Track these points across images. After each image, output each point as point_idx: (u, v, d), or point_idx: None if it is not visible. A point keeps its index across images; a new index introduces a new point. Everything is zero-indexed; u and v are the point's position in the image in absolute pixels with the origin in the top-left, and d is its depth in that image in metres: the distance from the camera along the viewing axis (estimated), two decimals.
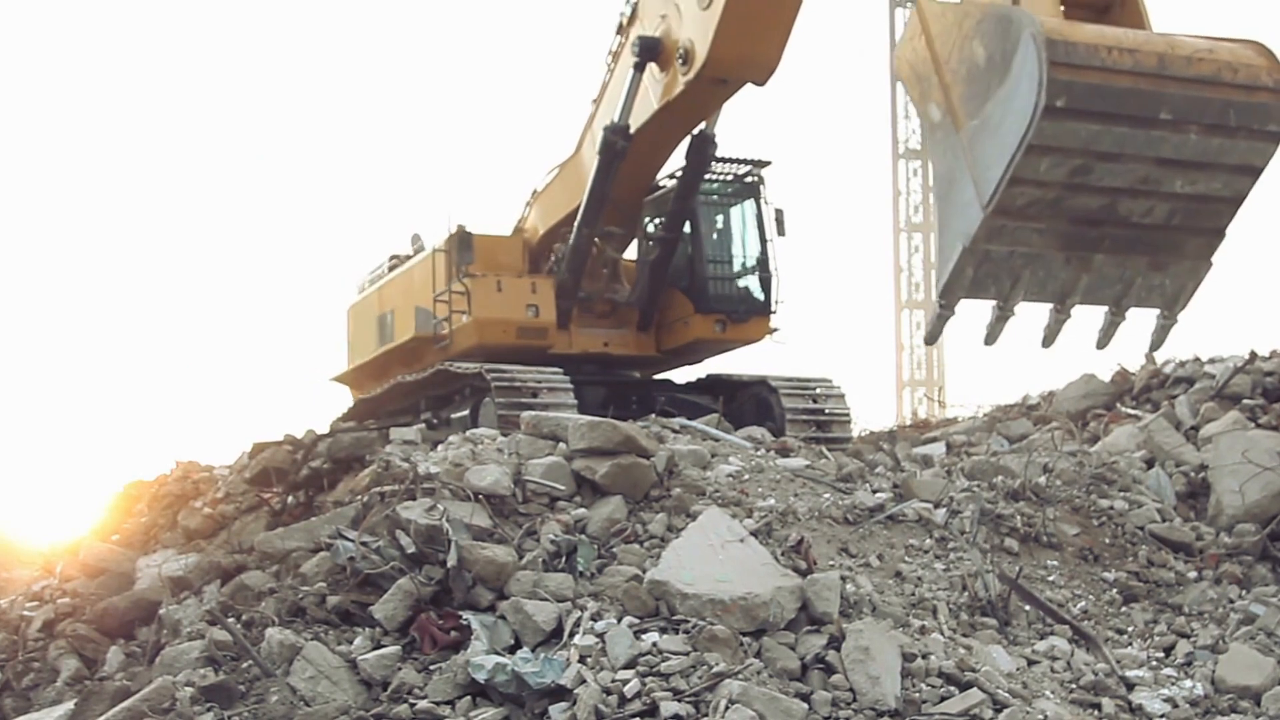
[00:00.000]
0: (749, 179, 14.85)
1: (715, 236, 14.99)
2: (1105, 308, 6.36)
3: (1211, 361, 12.28)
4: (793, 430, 13.03)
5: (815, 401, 13.73)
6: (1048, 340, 6.32)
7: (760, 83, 11.88)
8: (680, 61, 11.86)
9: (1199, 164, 5.58)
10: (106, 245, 59.59)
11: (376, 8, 61.73)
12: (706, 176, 14.06)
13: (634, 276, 14.63)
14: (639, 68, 12.48)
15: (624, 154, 12.86)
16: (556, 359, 13.63)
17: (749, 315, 14.51)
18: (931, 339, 6.97)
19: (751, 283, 14.86)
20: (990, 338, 6.24)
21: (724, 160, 14.33)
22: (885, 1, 36.98)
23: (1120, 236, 5.85)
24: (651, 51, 12.28)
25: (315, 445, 10.25)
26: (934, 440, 13.04)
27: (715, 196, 15.00)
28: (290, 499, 9.66)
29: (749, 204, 14.93)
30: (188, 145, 62.74)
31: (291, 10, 65.88)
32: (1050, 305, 6.20)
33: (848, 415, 13.98)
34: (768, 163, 14.82)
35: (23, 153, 57.20)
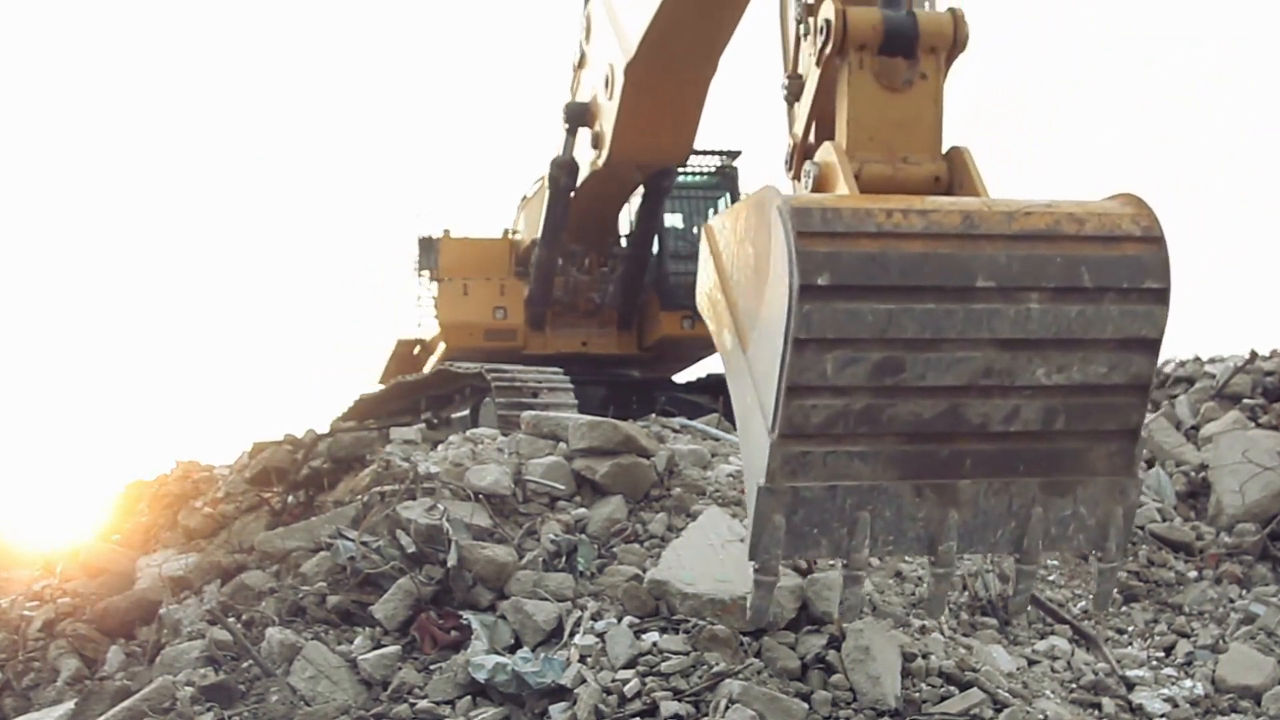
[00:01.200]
0: (726, 171, 14.78)
1: (681, 232, 14.95)
2: (1010, 558, 4.74)
3: (1212, 361, 12.28)
4: None
5: None
6: (934, 610, 4.75)
7: (677, 165, 11.79)
8: (592, 145, 11.71)
9: (1060, 342, 4.17)
10: (106, 245, 59.61)
11: (388, 6, 61.72)
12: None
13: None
14: (570, 133, 12.30)
15: (570, 189, 12.72)
16: (530, 359, 13.64)
17: None
18: (757, 620, 5.18)
19: None
20: (847, 610, 4.56)
21: (694, 153, 14.28)
22: None
23: (987, 454, 4.33)
24: (579, 119, 12.04)
25: (315, 445, 10.23)
26: None
27: (685, 191, 14.94)
28: (290, 499, 9.65)
29: (723, 197, 14.86)
30: (188, 145, 62.78)
31: (298, 9, 65.89)
32: (926, 559, 4.59)
33: None
34: (738, 153, 14.78)
35: (23, 152, 57.22)
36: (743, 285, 4.48)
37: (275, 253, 63.42)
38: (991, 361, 4.16)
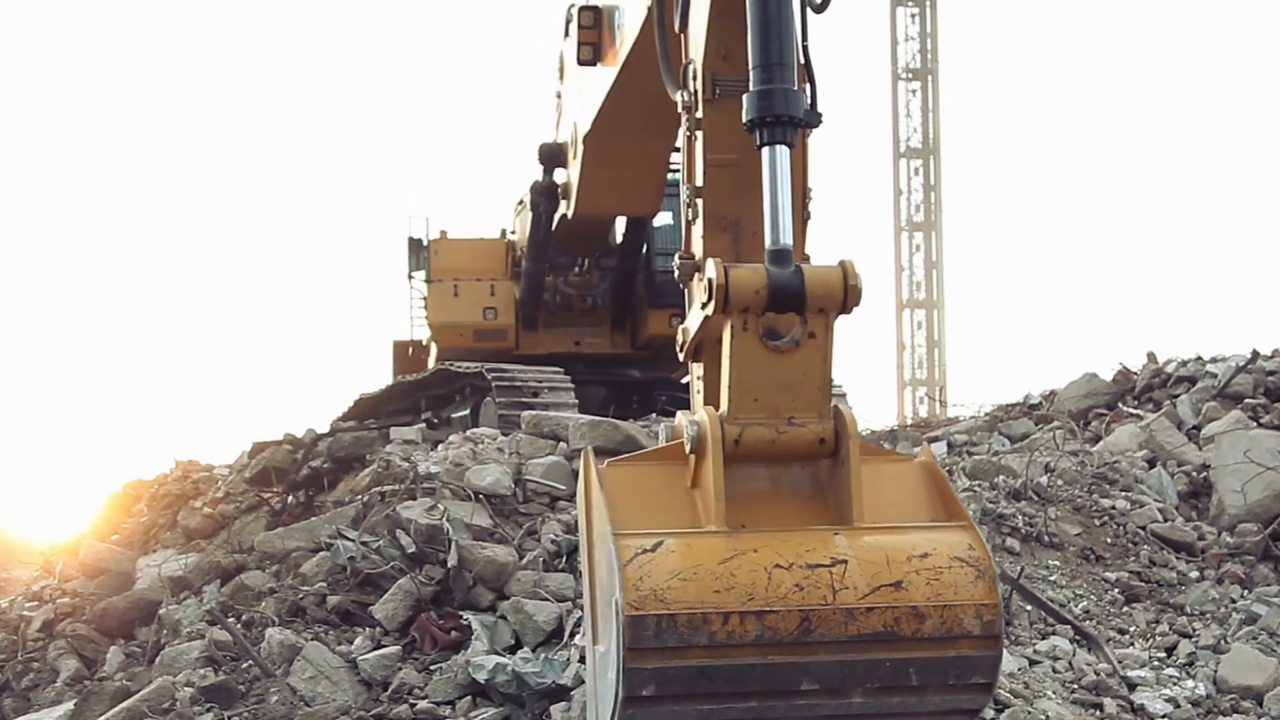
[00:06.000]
0: None
1: (670, 229, 14.81)
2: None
3: (1214, 360, 12.25)
4: None
5: None
6: None
7: (649, 215, 11.58)
8: (561, 195, 11.43)
9: (877, 716, 4.30)
10: (106, 245, 59.66)
11: (392, 7, 61.74)
12: None
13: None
14: (546, 171, 11.91)
15: (550, 214, 12.44)
16: (523, 359, 13.59)
17: None
18: None
19: None
20: None
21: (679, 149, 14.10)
22: (886, 1, 37.08)
23: None
24: (554, 161, 11.60)
25: (315, 445, 10.23)
26: (935, 440, 13.03)
27: (675, 189, 14.72)
28: (290, 499, 9.65)
29: None
30: (188, 145, 62.81)
31: (303, 9, 65.92)
32: None
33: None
34: None
35: (23, 152, 57.27)
36: (595, 593, 4.49)
37: (275, 253, 63.48)
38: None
